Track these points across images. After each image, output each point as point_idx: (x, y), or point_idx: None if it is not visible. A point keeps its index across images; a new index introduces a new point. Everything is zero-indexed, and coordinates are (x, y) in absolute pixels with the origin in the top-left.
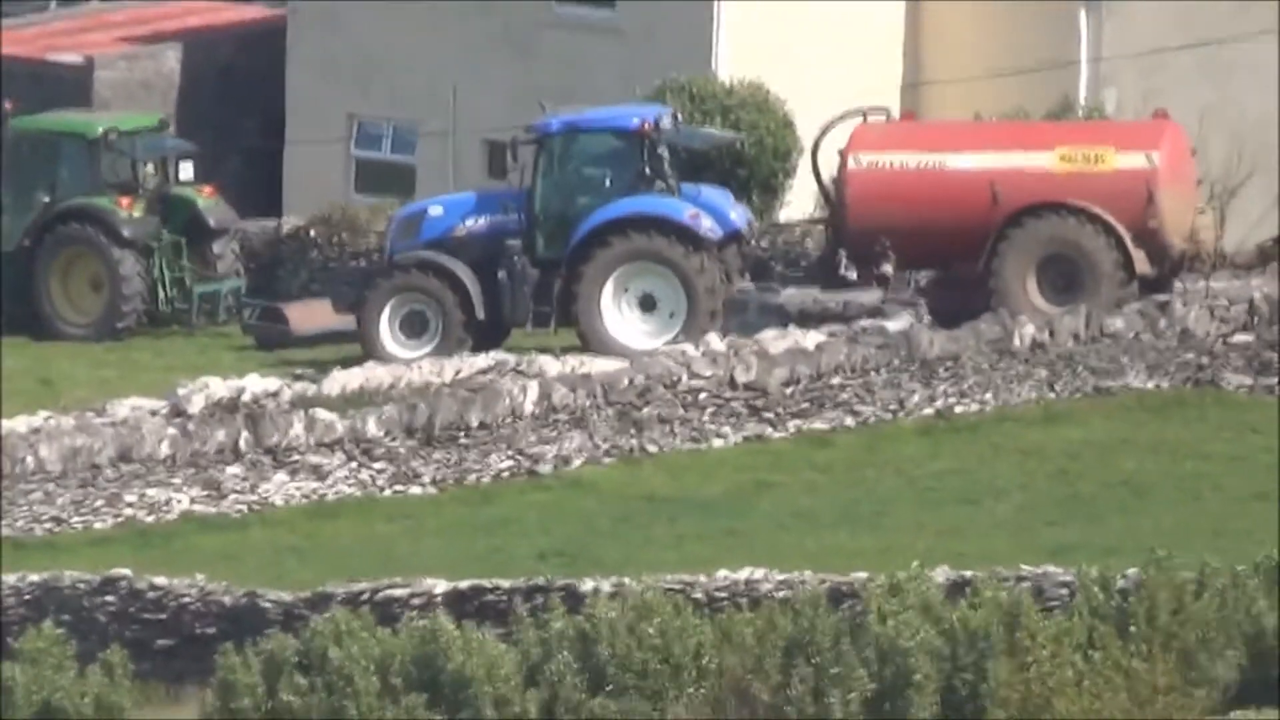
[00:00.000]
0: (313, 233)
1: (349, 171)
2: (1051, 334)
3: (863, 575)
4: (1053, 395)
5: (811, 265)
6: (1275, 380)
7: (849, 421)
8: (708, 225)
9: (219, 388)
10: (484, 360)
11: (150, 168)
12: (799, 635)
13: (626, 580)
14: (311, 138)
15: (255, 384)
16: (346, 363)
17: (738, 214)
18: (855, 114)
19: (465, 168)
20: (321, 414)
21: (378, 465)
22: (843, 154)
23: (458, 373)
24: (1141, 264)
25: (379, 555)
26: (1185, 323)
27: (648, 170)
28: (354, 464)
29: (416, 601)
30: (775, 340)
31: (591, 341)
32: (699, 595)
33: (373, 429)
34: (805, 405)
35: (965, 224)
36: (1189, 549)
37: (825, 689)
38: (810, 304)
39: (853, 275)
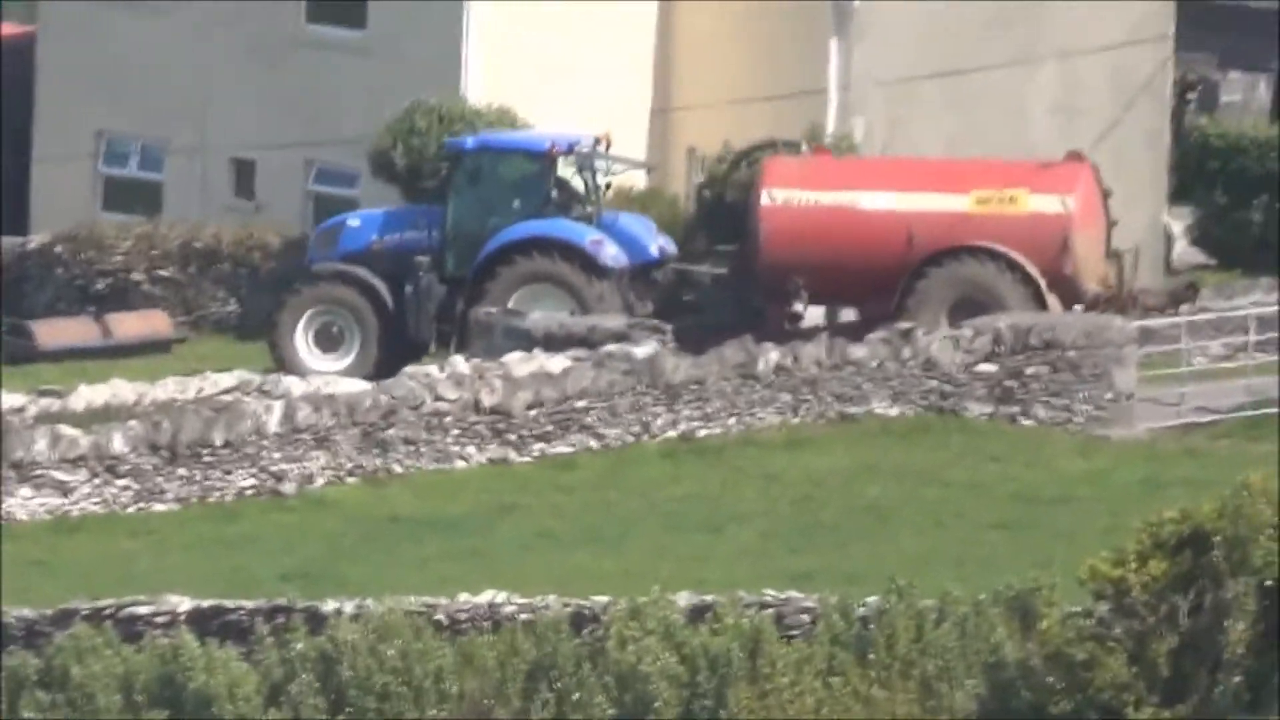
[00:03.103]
0: (59, 249)
1: (96, 188)
2: (795, 359)
3: (604, 599)
4: (796, 420)
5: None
6: (1016, 409)
7: (593, 445)
8: (610, 253)
9: None
10: (229, 379)
11: None
12: (541, 659)
13: (369, 602)
14: (60, 154)
15: (0, 399)
16: (92, 379)
17: (657, 244)
18: (768, 145)
19: (213, 185)
20: (66, 430)
21: (122, 482)
22: (755, 189)
23: (202, 390)
24: (1055, 308)
25: (122, 572)
26: (929, 352)
27: (556, 194)
28: (98, 480)
29: (160, 619)
30: (520, 364)
31: None
32: (441, 617)
33: (118, 445)
34: (550, 428)
35: (879, 263)
36: (930, 577)
37: (566, 714)
38: (556, 328)
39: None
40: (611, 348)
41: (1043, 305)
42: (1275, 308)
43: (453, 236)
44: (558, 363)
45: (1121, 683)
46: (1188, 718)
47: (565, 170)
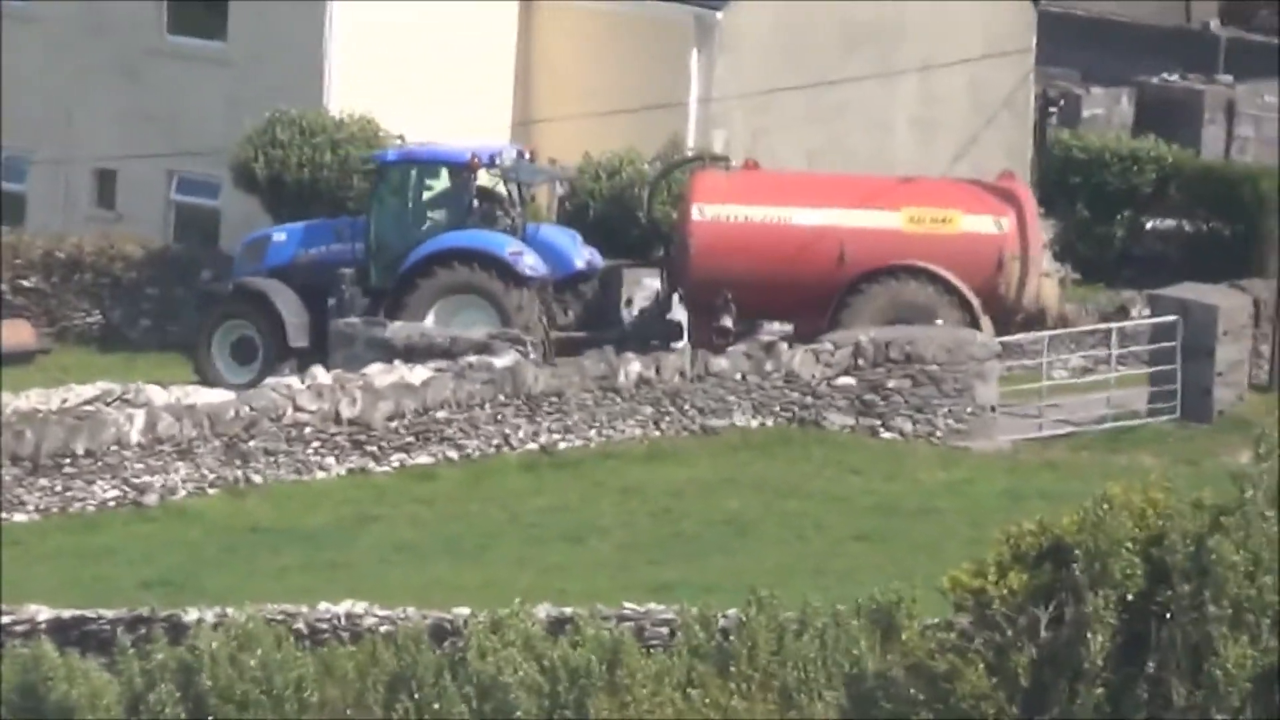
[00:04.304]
0: None
1: None
2: (658, 371)
3: (465, 611)
4: (658, 433)
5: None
6: (877, 422)
7: (453, 456)
8: (529, 263)
9: None
10: (92, 389)
11: None
12: (401, 670)
13: (230, 611)
14: None
15: None
16: None
17: (583, 256)
18: (695, 159)
19: (76, 196)
20: None
21: None
22: (685, 203)
23: (64, 401)
24: (988, 329)
25: None
26: (791, 365)
27: (477, 204)
28: None
29: (20, 629)
30: (381, 375)
31: None
32: (301, 626)
33: None
34: (410, 439)
35: (811, 280)
36: (791, 588)
37: None
38: (417, 339)
39: (682, 320)
40: (472, 359)
41: (977, 326)
42: (1136, 321)
43: (376, 249)
44: (419, 374)
45: (981, 694)
46: None
47: (489, 181)
